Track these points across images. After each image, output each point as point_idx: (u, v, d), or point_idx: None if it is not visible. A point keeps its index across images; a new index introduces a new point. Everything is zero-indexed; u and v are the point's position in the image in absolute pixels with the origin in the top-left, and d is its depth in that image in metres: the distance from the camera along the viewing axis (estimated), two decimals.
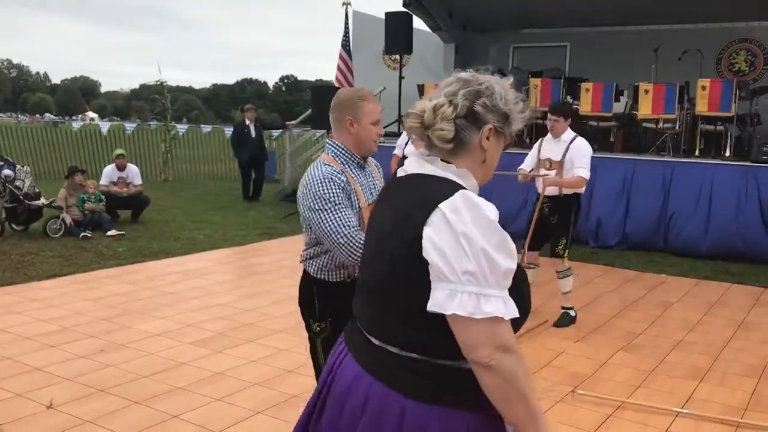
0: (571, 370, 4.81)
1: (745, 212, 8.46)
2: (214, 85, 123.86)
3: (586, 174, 5.63)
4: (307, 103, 14.11)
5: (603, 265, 8.31)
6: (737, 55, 12.60)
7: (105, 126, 18.92)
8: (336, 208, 2.61)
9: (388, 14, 12.00)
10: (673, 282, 7.57)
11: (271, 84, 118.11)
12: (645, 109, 9.94)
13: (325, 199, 2.61)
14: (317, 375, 2.94)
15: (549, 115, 5.87)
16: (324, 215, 2.62)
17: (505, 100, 1.67)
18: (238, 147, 13.36)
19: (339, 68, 12.39)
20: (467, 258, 1.50)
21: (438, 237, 1.53)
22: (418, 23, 13.44)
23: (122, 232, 9.26)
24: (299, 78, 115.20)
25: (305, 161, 15.51)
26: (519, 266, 1.59)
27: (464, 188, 1.60)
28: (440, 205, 1.55)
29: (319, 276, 2.82)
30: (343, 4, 12.44)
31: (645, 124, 10.60)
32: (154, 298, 6.24)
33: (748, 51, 12.52)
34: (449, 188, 1.59)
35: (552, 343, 5.38)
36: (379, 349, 1.67)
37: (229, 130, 16.10)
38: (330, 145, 2.83)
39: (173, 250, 8.32)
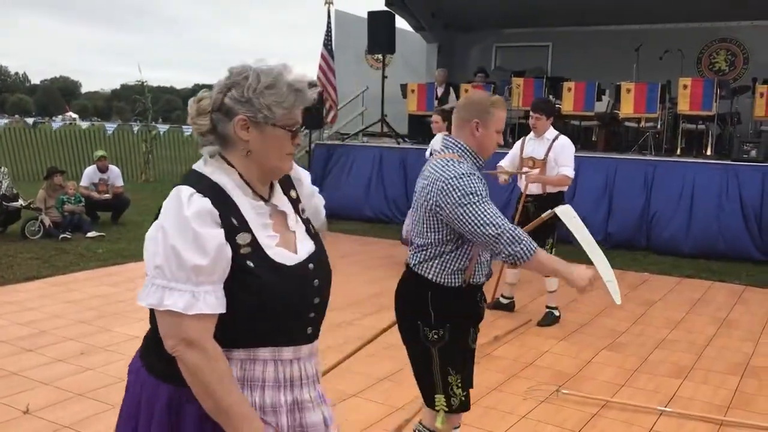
0: (555, 369, 4.80)
1: (726, 211, 8.51)
2: (196, 85, 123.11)
3: (570, 173, 5.64)
4: None
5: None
6: (717, 54, 12.71)
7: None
8: (484, 200, 2.56)
9: (370, 14, 11.97)
10: (655, 280, 7.60)
11: None
12: (627, 108, 9.98)
13: (472, 193, 2.55)
14: (426, 386, 2.81)
15: (531, 112, 5.87)
16: (473, 208, 2.54)
17: (257, 89, 1.63)
18: None
19: (320, 67, 12.31)
20: (158, 252, 1.56)
21: (149, 231, 1.63)
22: (400, 23, 13.44)
23: (102, 234, 9.16)
24: None
25: None
26: (252, 262, 1.61)
27: (195, 184, 1.65)
28: (164, 202, 1.65)
29: (436, 280, 2.70)
30: (326, 3, 12.35)
31: (627, 123, 10.66)
32: (135, 301, 6.13)
33: (728, 51, 12.64)
34: (182, 182, 1.66)
35: (536, 342, 5.37)
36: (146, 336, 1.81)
37: None
38: (452, 142, 2.76)
39: None
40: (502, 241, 2.51)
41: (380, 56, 12.33)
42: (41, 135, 17.82)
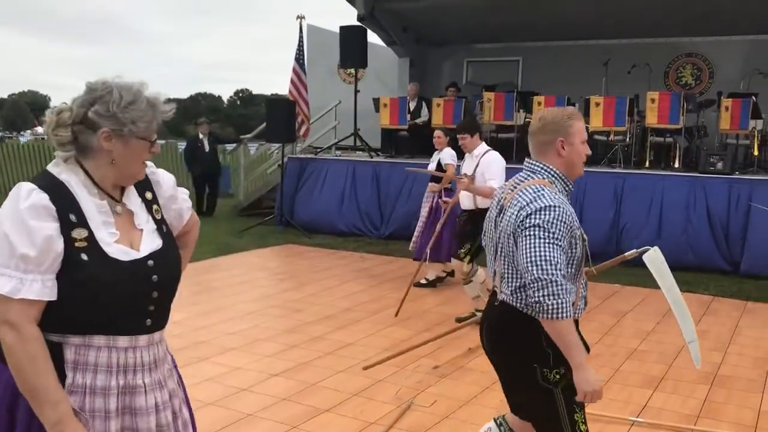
0: None
1: (693, 222, 8.65)
2: (167, 100, 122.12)
3: (497, 185, 5.72)
4: (262, 116, 14.00)
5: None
6: (684, 68, 12.96)
7: None
8: (552, 241, 2.40)
9: (342, 28, 12.01)
10: (626, 292, 7.68)
11: (225, 98, 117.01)
12: (596, 121, 10.11)
13: (546, 230, 2.40)
14: (550, 429, 2.63)
15: (456, 134, 6.24)
16: (537, 241, 2.40)
17: (120, 105, 1.78)
18: (191, 161, 13.18)
19: (292, 82, 12.33)
20: None
21: None
22: (372, 37, 13.50)
23: None
24: (254, 92, 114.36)
25: (260, 176, 15.38)
26: (87, 255, 1.75)
27: (38, 181, 1.78)
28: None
29: None
30: (298, 17, 12.40)
31: (596, 137, 10.78)
32: None
33: (694, 65, 12.89)
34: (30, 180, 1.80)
35: None
36: None
37: (182, 145, 15.90)
38: (540, 167, 2.63)
39: None
40: (540, 286, 2.35)
41: (352, 70, 12.38)
42: (8, 150, 17.56)
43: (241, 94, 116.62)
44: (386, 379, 4.78)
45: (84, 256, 1.75)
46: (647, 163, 10.09)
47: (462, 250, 6.02)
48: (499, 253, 2.63)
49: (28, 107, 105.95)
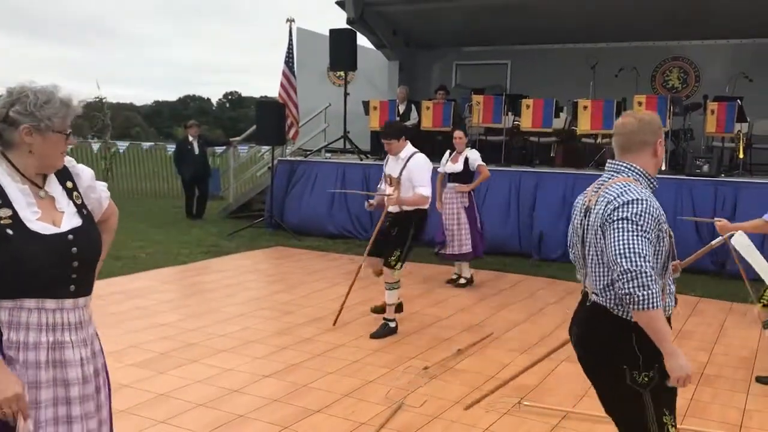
0: (517, 381, 4.86)
1: (680, 224, 8.73)
2: (156, 102, 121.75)
3: (426, 191, 5.81)
4: (251, 119, 14.01)
5: (546, 277, 8.45)
6: (670, 72, 13.08)
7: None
8: (641, 234, 2.44)
9: (332, 31, 12.04)
10: None
11: (214, 100, 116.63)
12: (584, 124, 10.19)
13: (635, 222, 2.45)
14: (636, 430, 2.62)
15: (382, 139, 6.13)
16: (625, 234, 2.43)
17: (36, 105, 2.12)
18: (180, 164, 13.16)
19: (282, 85, 12.35)
20: None
21: None
22: (362, 40, 13.55)
23: None
24: (243, 94, 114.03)
25: (249, 178, 15.38)
26: (12, 230, 2.06)
27: None
28: None
29: None
30: (287, 20, 12.42)
31: (584, 139, 10.88)
32: (95, 319, 6.05)
33: (681, 69, 13.01)
34: None
35: (497, 355, 5.44)
36: None
37: (171, 147, 15.88)
38: (626, 166, 2.67)
39: (114, 270, 8.12)
40: (630, 278, 2.37)
41: (342, 73, 12.41)
42: None
43: (230, 97, 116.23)
44: (376, 380, 4.81)
45: (9, 231, 2.07)
46: None
47: (392, 258, 5.85)
48: (588, 254, 2.66)
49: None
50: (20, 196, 2.14)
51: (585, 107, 10.16)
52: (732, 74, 11.41)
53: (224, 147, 16.10)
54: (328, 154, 12.38)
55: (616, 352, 2.56)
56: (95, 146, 18.91)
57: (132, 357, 5.14)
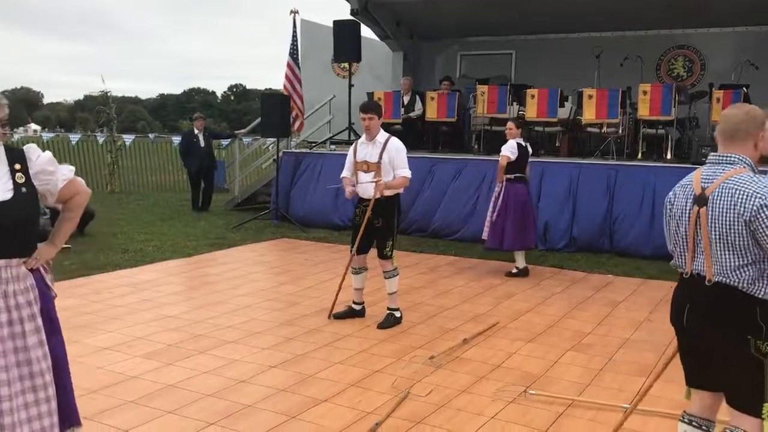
0: (523, 370, 4.89)
1: None
2: (161, 95, 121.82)
3: (408, 173, 5.76)
4: (256, 111, 14.01)
5: (551, 267, 8.45)
6: (675, 61, 13.02)
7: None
8: None
9: (336, 23, 12.03)
10: (619, 282, 7.75)
11: (219, 93, 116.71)
12: (589, 114, 10.18)
13: None
14: (751, 395, 2.84)
15: (363, 113, 5.83)
16: None
17: None
18: (186, 156, 13.19)
19: (287, 76, 12.36)
20: None
21: None
22: (366, 31, 13.52)
23: (68, 246, 9.04)
24: (248, 87, 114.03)
25: (255, 170, 15.40)
26: None
27: None
28: None
29: (765, 297, 2.79)
30: (291, 12, 12.42)
31: (589, 129, 10.86)
32: (103, 312, 6.12)
33: (686, 57, 12.95)
34: None
35: (503, 344, 5.46)
36: None
37: (176, 139, 15.92)
38: (737, 158, 2.86)
39: (121, 263, 8.17)
40: None
41: (346, 65, 12.40)
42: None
43: (235, 89, 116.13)
44: (382, 369, 4.84)
45: None
46: (639, 155, 10.16)
47: (386, 249, 5.83)
48: (711, 240, 2.84)
49: (22, 104, 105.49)
50: None
51: (590, 96, 10.14)
52: (737, 62, 11.35)
53: (230, 139, 16.13)
54: (333, 146, 12.39)
55: (741, 325, 2.80)
56: (101, 139, 18.94)
57: (139, 348, 5.18)
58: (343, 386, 4.52)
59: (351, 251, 6.00)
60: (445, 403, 4.28)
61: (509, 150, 7.68)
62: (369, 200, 5.77)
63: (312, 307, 6.44)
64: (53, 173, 2.88)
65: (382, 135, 5.83)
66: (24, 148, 2.83)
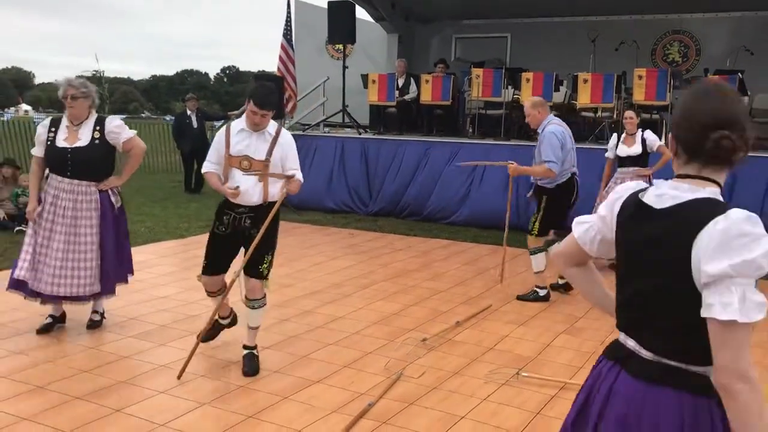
0: (516, 353, 4.90)
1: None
2: (154, 77, 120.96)
3: (301, 175, 4.67)
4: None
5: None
6: (671, 46, 12.99)
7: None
8: None
9: (331, 3, 11.94)
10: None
11: (212, 75, 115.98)
12: (584, 98, 10.16)
13: None
14: None
15: (258, 109, 4.30)
16: None
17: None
18: (179, 137, 13.11)
19: (280, 58, 12.28)
20: None
21: None
22: (361, 13, 13.43)
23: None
24: (241, 69, 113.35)
25: None
26: None
27: None
28: None
29: None
30: None
31: (584, 113, 10.84)
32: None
33: (681, 42, 12.92)
34: None
35: (496, 327, 5.47)
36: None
37: (170, 119, 15.81)
38: None
39: None
40: None
41: (341, 46, 12.32)
42: None
43: (228, 71, 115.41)
44: (375, 351, 4.84)
45: (49, 142, 4.76)
46: None
47: (263, 266, 4.81)
48: None
49: (12, 84, 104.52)
50: (63, 129, 4.81)
51: (585, 81, 10.11)
52: (733, 47, 11.33)
53: (222, 121, 16.03)
54: (327, 129, 12.33)
55: None
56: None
57: (132, 329, 5.17)
58: (336, 367, 4.52)
59: (201, 274, 4.78)
60: (438, 385, 4.29)
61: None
62: (245, 207, 4.55)
63: (305, 290, 6.43)
64: (119, 134, 4.89)
65: (273, 126, 4.49)
66: (106, 117, 4.94)
